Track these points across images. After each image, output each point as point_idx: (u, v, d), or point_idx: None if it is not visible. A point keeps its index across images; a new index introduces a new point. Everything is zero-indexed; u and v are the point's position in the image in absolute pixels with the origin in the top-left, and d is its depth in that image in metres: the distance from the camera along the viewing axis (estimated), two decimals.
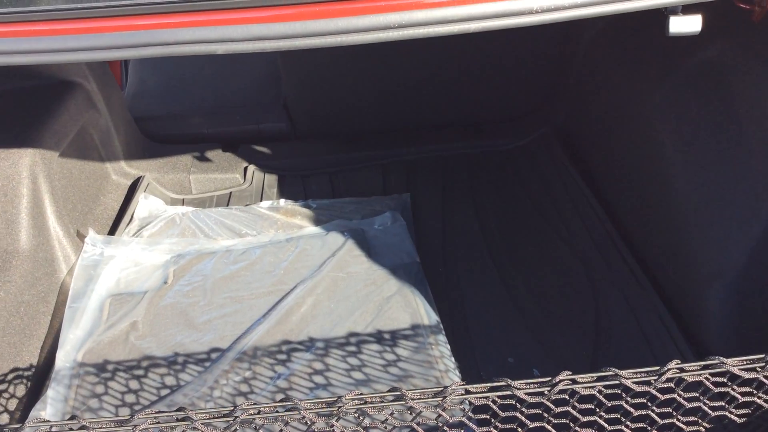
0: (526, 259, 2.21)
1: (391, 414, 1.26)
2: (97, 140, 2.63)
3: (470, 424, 1.26)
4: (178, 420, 1.24)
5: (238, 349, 1.87)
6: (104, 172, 2.67)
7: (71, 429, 1.24)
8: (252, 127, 3.08)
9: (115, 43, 1.17)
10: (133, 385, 1.81)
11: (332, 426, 1.25)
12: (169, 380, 1.81)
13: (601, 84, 2.47)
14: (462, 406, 1.33)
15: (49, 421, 1.24)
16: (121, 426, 1.22)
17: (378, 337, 1.89)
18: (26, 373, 1.90)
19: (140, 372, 1.85)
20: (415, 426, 1.26)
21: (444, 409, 1.24)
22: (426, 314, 1.95)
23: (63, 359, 1.88)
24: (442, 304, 2.04)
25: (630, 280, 2.05)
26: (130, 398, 1.77)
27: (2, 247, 2.05)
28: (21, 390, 1.85)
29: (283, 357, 1.86)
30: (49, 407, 1.73)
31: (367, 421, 1.27)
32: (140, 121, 2.98)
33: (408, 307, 1.98)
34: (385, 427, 1.28)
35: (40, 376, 1.92)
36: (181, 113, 3.12)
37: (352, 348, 1.87)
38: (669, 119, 2.00)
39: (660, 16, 1.40)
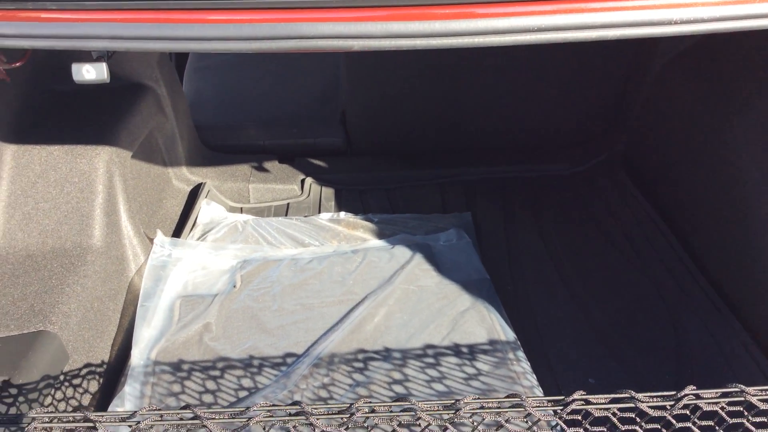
0: (597, 282, 2.20)
1: (507, 421, 1.25)
2: (162, 145, 2.64)
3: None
4: (291, 414, 1.22)
5: (315, 355, 1.86)
6: (167, 176, 2.68)
7: (182, 418, 1.22)
8: (308, 140, 3.09)
9: (255, 34, 1.19)
10: (210, 385, 1.79)
11: (446, 429, 1.23)
12: (246, 382, 1.80)
13: (672, 111, 2.47)
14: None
15: (160, 409, 1.23)
16: (236, 417, 1.21)
17: (455, 350, 1.88)
18: (98, 369, 1.88)
19: (216, 373, 1.83)
20: None
21: (561, 419, 1.23)
22: (502, 330, 1.94)
23: (138, 356, 1.86)
24: (514, 322, 2.01)
25: (707, 305, 2.03)
26: (207, 398, 1.75)
27: (77, 243, 2.05)
28: (94, 386, 1.84)
29: (359, 365, 1.84)
30: (127, 403, 1.72)
31: (481, 428, 1.26)
32: (198, 129, 2.99)
33: (483, 322, 1.97)
34: None
35: (112, 373, 1.91)
36: (237, 124, 3.14)
37: (430, 360, 1.85)
38: (754, 149, 1.99)
39: None
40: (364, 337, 1.93)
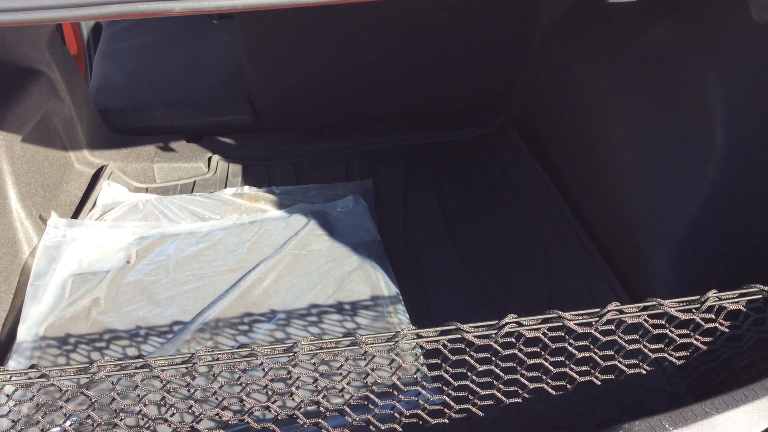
0: (485, 239, 2.28)
1: (346, 360, 1.31)
2: (60, 129, 2.63)
3: (422, 369, 1.31)
4: (137, 368, 1.26)
5: (200, 321, 1.90)
6: (67, 160, 2.68)
7: (31, 378, 1.26)
8: (216, 119, 3.11)
9: (72, 2, 1.21)
10: (95, 356, 1.82)
11: (289, 372, 1.29)
12: (131, 351, 1.83)
13: (554, 72, 2.56)
14: (417, 361, 1.38)
15: (8, 370, 1.26)
16: (82, 373, 1.25)
17: (338, 308, 1.94)
18: None
19: (102, 344, 1.86)
20: (370, 371, 1.30)
21: (397, 354, 1.29)
22: (386, 286, 2.00)
23: (25, 333, 1.88)
24: (402, 281, 2.08)
25: (582, 252, 2.12)
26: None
27: None
28: None
29: (244, 328, 1.89)
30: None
31: (323, 368, 1.32)
32: (104, 113, 2.99)
33: (368, 280, 2.03)
34: (341, 374, 1.32)
35: (0, 351, 1.92)
36: (145, 106, 3.14)
37: (313, 318, 1.91)
38: (617, 98, 2.08)
39: None
40: (251, 301, 1.98)
